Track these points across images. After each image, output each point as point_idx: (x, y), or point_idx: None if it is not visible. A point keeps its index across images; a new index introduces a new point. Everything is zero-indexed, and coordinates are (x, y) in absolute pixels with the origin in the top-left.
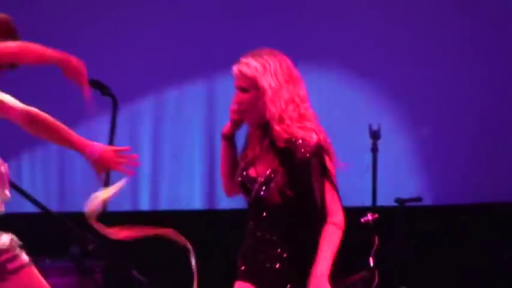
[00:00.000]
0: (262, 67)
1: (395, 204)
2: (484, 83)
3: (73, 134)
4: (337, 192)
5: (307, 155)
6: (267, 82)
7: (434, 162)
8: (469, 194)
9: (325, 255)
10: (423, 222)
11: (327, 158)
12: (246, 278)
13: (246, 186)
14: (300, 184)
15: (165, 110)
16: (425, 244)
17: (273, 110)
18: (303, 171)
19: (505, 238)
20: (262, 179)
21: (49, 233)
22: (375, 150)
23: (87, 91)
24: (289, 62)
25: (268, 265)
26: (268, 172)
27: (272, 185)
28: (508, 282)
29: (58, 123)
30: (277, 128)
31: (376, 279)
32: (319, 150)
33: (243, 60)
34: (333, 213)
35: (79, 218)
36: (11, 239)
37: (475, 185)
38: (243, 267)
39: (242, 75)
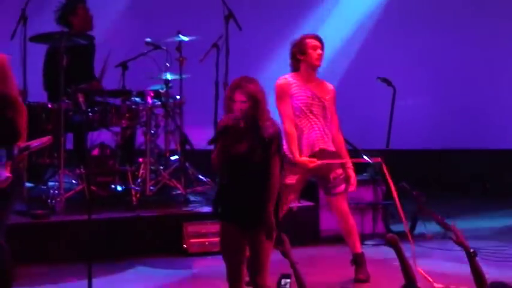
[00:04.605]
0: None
1: None
2: None
3: None
4: (281, 161)
5: (273, 137)
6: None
7: None
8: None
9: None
10: None
11: (279, 141)
12: (227, 218)
13: (235, 156)
14: (268, 152)
15: None
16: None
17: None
18: (271, 145)
19: None
20: (248, 150)
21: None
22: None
23: None
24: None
25: (247, 205)
26: (250, 146)
27: (257, 152)
28: None
29: None
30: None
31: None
32: (279, 135)
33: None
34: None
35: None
36: None
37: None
38: (224, 211)
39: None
